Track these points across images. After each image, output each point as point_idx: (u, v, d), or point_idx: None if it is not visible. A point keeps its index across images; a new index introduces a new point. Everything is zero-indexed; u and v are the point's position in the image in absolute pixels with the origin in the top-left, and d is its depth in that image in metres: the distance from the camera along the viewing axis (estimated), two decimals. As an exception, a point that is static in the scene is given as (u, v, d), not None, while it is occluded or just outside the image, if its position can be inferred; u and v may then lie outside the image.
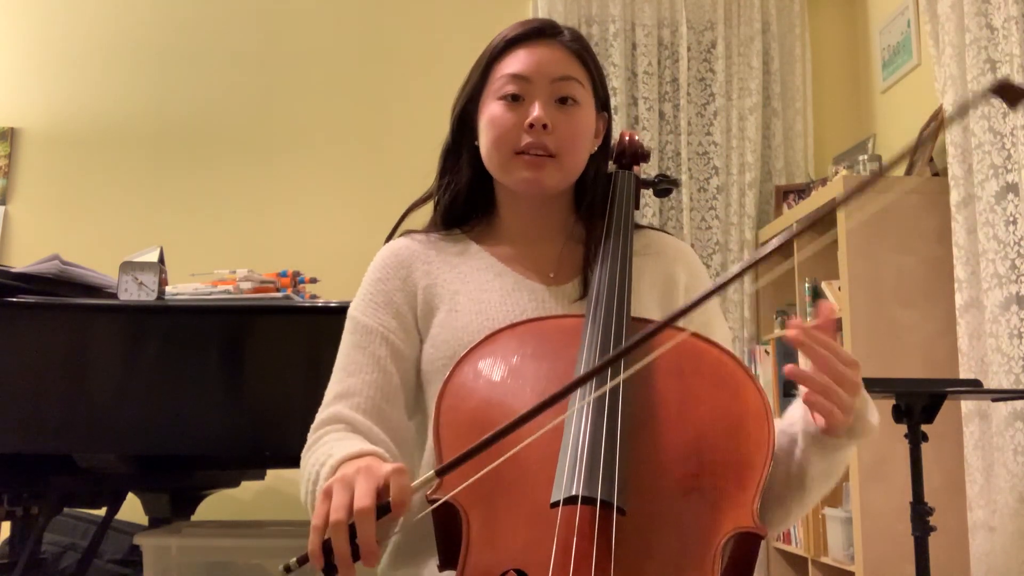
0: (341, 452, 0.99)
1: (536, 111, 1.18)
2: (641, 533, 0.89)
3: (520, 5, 3.82)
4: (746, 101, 3.69)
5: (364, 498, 0.84)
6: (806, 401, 0.96)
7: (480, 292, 1.20)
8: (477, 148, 1.25)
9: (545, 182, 1.21)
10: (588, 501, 0.88)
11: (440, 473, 0.85)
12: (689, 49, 3.73)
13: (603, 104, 1.29)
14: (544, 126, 1.18)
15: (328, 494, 0.87)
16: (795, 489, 1.05)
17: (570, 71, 1.21)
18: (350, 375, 1.17)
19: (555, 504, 0.88)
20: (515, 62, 1.21)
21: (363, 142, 3.74)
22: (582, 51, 1.24)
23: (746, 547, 0.91)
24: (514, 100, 1.20)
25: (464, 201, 1.29)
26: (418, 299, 1.22)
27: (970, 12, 2.60)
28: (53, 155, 3.67)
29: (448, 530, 0.93)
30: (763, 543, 0.96)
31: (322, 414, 1.16)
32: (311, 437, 1.14)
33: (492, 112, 1.21)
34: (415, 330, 1.22)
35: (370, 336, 1.19)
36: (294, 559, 0.83)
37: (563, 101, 1.20)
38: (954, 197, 2.65)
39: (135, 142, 3.69)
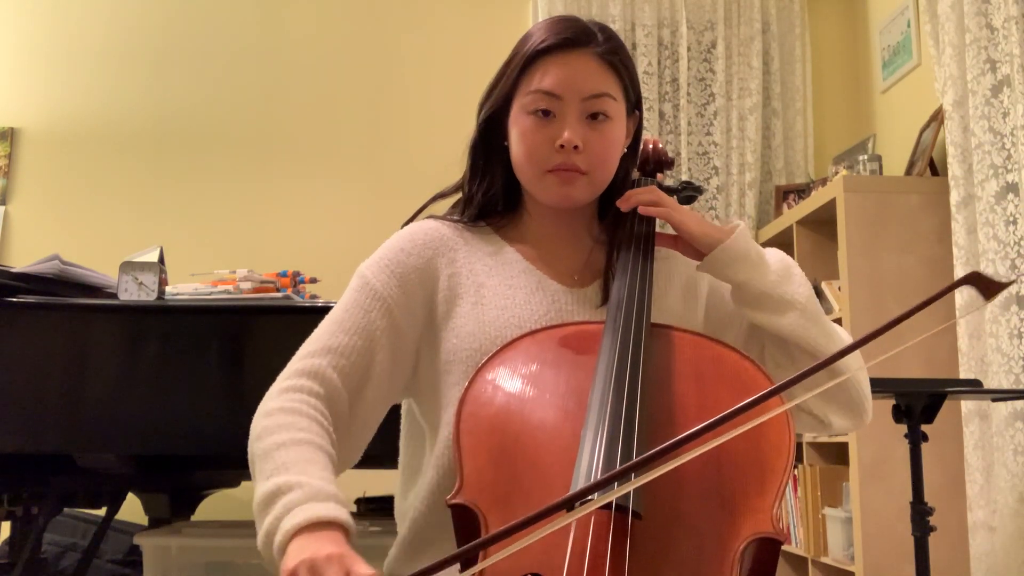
0: (308, 504, 0.90)
1: (567, 133, 1.16)
2: (658, 538, 0.89)
3: (520, 6, 3.82)
4: (746, 101, 3.69)
5: None
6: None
7: (506, 287, 1.20)
8: (507, 148, 1.24)
9: (575, 197, 1.20)
10: (604, 505, 0.87)
11: None
12: (689, 49, 3.73)
13: (635, 104, 1.26)
14: (575, 147, 1.16)
15: None
16: (775, 327, 1.15)
17: (602, 86, 1.18)
18: (345, 333, 1.13)
19: (571, 508, 0.88)
20: (546, 77, 1.17)
21: (363, 142, 3.73)
22: (614, 59, 1.20)
23: (765, 554, 0.91)
24: (545, 116, 1.18)
25: (499, 200, 1.28)
26: (439, 285, 1.21)
27: (970, 12, 2.61)
28: (53, 155, 3.65)
29: (467, 532, 0.93)
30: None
31: (301, 363, 1.10)
32: (279, 385, 1.08)
33: (522, 127, 1.19)
34: (420, 312, 1.19)
35: (376, 302, 1.16)
36: None
37: (594, 116, 1.18)
38: (954, 197, 2.65)
39: (135, 142, 3.68)
